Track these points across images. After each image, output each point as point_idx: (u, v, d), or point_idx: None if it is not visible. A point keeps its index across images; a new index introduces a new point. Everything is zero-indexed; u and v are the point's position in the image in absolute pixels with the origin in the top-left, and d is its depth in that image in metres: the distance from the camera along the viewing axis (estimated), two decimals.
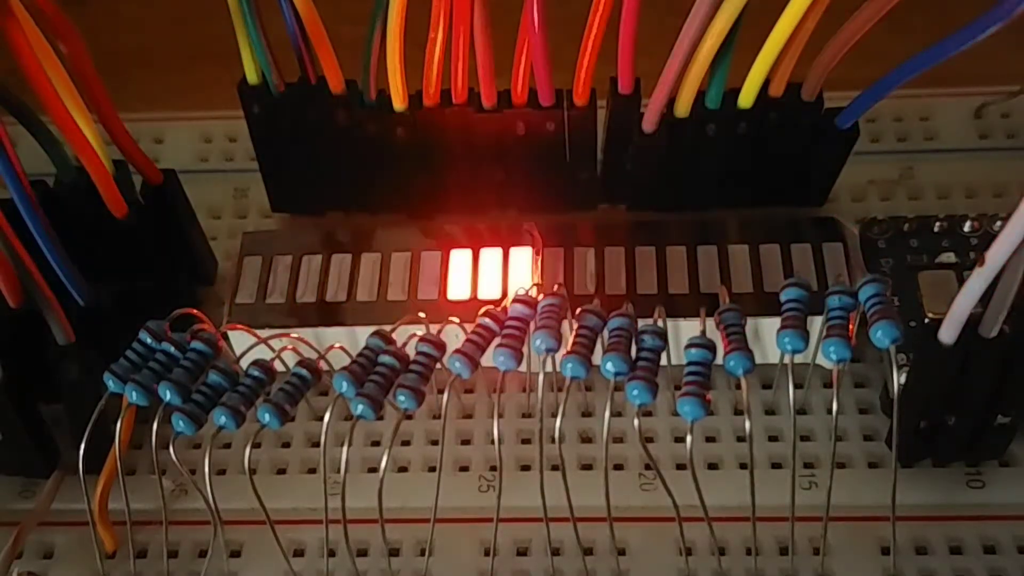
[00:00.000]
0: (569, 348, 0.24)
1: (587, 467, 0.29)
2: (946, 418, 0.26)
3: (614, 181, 0.32)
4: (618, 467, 0.28)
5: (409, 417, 0.29)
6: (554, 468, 0.25)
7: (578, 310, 0.25)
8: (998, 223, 0.30)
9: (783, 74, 0.28)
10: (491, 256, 0.30)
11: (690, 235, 0.30)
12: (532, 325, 0.25)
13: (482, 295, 0.29)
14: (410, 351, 0.25)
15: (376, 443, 0.30)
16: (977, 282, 0.22)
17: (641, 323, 0.24)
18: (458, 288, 0.30)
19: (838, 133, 0.30)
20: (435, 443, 0.29)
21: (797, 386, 0.26)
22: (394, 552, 0.27)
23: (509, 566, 0.27)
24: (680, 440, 0.29)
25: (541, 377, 0.24)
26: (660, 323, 0.25)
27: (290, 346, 0.28)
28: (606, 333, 0.24)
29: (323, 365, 0.25)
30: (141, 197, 0.30)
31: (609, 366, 0.23)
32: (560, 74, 0.29)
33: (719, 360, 0.24)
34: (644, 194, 0.32)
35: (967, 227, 0.30)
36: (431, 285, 0.30)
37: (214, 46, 0.31)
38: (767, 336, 0.28)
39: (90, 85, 0.27)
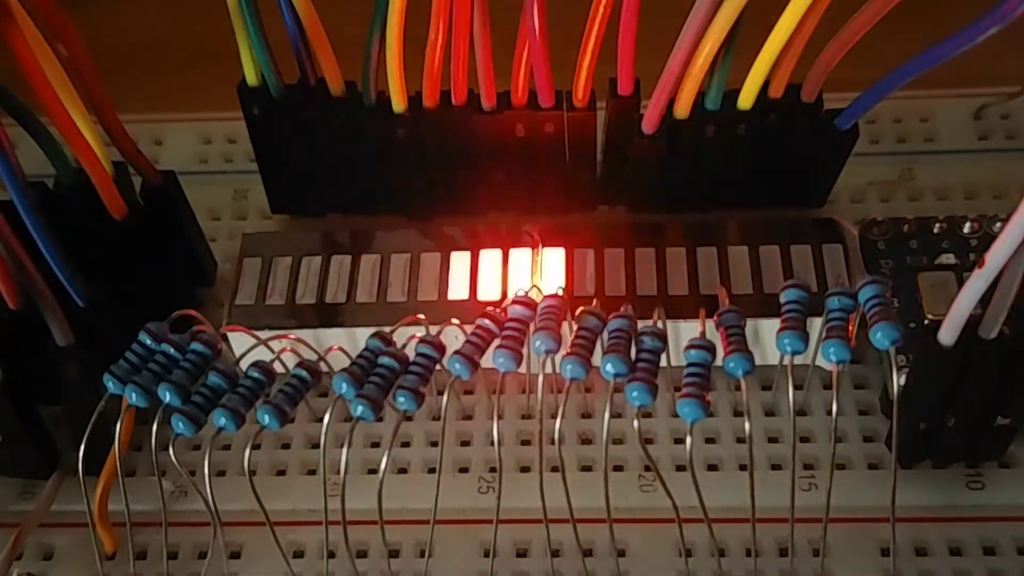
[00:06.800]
0: (569, 349, 0.24)
1: (587, 468, 0.29)
2: (946, 419, 0.26)
3: (614, 182, 0.32)
4: (618, 468, 0.28)
5: (409, 418, 0.29)
6: (554, 469, 0.25)
7: (578, 311, 0.25)
8: (998, 224, 0.30)
9: (783, 75, 0.28)
10: (491, 257, 0.30)
11: (690, 236, 0.30)
12: (532, 326, 0.25)
13: (482, 296, 0.29)
14: (410, 352, 0.25)
15: (376, 444, 0.30)
16: (977, 283, 0.22)
17: (641, 324, 0.24)
18: (458, 289, 0.30)
19: (838, 134, 0.30)
20: (435, 444, 0.29)
21: (797, 387, 0.26)
22: (394, 553, 0.27)
23: (509, 567, 0.27)
24: (680, 441, 0.29)
25: (541, 378, 0.24)
26: (660, 324, 0.25)
27: (290, 347, 0.28)
28: (606, 334, 0.24)
29: (323, 366, 0.25)
30: (141, 198, 0.30)
31: (609, 367, 0.23)
32: (560, 75, 0.29)
33: (719, 361, 0.24)
34: (644, 195, 0.32)
35: (967, 228, 0.30)
36: (431, 286, 0.30)
37: (214, 47, 0.31)
38: (767, 337, 0.28)
39: (90, 86, 0.27)
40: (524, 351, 0.25)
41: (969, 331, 0.24)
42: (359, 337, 0.28)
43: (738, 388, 0.29)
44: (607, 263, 0.30)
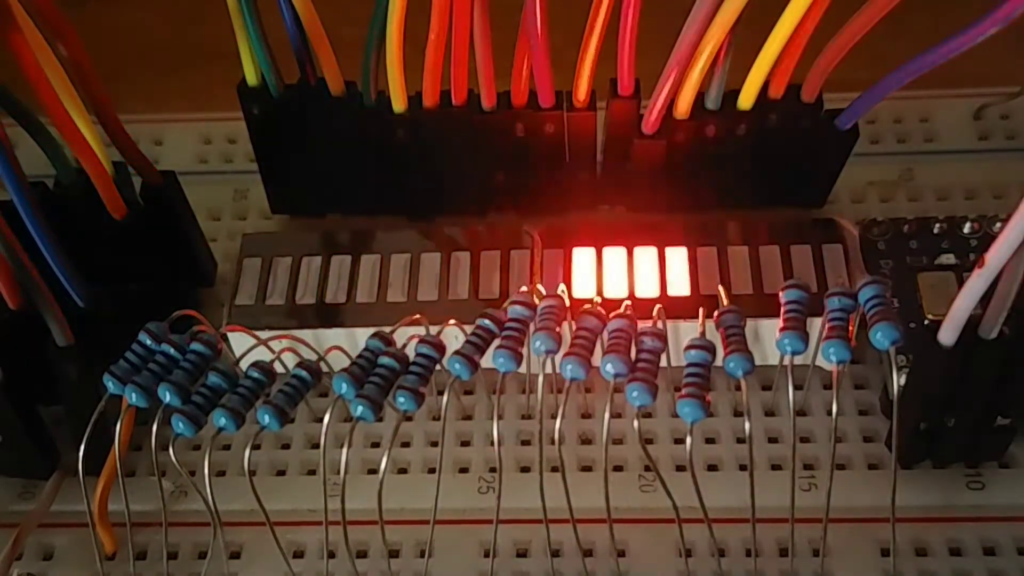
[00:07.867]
0: (568, 349, 0.24)
1: (587, 468, 0.29)
2: (946, 419, 0.26)
3: (614, 182, 0.32)
4: (618, 468, 0.28)
5: (409, 418, 0.29)
6: (554, 469, 0.25)
7: (578, 311, 0.25)
8: (998, 224, 0.30)
9: (783, 75, 0.28)
10: (491, 257, 0.30)
11: (690, 236, 0.30)
12: (532, 326, 0.25)
13: (482, 296, 0.29)
14: (410, 352, 0.25)
15: (376, 444, 0.30)
16: (977, 283, 0.22)
17: (641, 324, 0.24)
18: (458, 289, 0.30)
19: (838, 134, 0.30)
20: (435, 444, 0.29)
21: (797, 387, 0.26)
22: (394, 553, 0.27)
23: (509, 567, 0.27)
24: (680, 441, 0.29)
25: (541, 378, 0.24)
26: (660, 324, 0.25)
27: (290, 347, 0.28)
28: (606, 334, 0.24)
29: (323, 366, 0.25)
30: (141, 199, 0.30)
31: (609, 367, 0.23)
32: (560, 75, 0.29)
33: (719, 362, 0.24)
34: (644, 195, 0.32)
35: (967, 228, 0.30)
36: (431, 287, 0.30)
37: (214, 47, 0.31)
38: (767, 337, 0.28)
39: (90, 86, 0.27)
40: (524, 351, 0.25)
41: (969, 331, 0.24)
42: (359, 337, 0.28)
43: (738, 388, 0.29)
44: (607, 263, 0.30)
